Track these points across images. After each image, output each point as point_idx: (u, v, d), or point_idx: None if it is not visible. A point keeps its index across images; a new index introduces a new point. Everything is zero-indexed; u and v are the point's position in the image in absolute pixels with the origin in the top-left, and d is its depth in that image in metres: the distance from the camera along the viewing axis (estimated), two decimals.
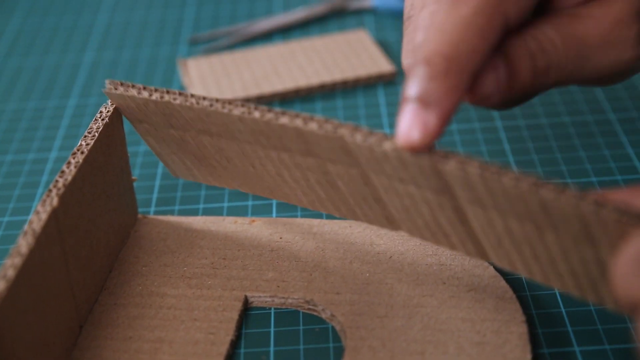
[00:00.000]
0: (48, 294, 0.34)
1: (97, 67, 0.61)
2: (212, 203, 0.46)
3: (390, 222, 0.37)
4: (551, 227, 0.31)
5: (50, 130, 0.54)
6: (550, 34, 0.36)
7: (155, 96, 0.38)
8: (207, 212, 0.45)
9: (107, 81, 0.38)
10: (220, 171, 0.41)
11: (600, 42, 0.37)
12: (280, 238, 0.42)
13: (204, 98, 0.37)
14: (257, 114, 0.35)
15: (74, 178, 0.35)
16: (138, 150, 0.51)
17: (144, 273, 0.40)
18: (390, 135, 0.32)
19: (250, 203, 0.46)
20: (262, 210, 0.45)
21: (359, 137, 0.33)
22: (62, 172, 0.36)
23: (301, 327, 0.38)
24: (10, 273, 0.31)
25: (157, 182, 0.48)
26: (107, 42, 0.64)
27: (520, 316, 0.37)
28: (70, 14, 0.69)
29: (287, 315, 0.39)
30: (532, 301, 0.38)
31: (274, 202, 0.46)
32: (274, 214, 0.45)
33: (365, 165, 0.34)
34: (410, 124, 0.32)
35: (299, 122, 0.34)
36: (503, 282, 0.38)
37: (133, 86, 0.38)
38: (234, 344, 0.37)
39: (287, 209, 0.45)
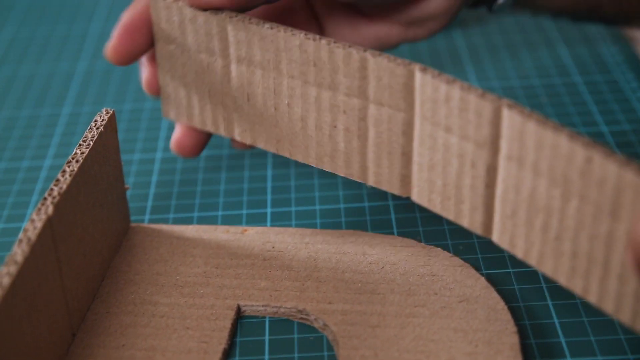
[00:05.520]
0: (42, 302, 0.34)
1: (91, 75, 0.61)
2: (206, 212, 0.46)
3: (402, 184, 0.38)
4: (579, 195, 0.31)
5: (44, 139, 0.54)
6: None
7: (211, 11, 0.39)
8: (201, 220, 0.45)
9: None
10: (230, 112, 0.42)
11: None
12: (273, 247, 0.42)
13: (264, 22, 0.38)
14: (323, 42, 0.36)
15: (69, 186, 0.36)
16: (132, 158, 0.51)
17: (137, 281, 0.40)
18: (458, 80, 0.34)
19: (244, 212, 0.46)
20: (256, 220, 0.45)
21: (429, 75, 0.34)
22: (57, 180, 0.36)
23: (296, 336, 0.38)
24: (6, 281, 0.31)
25: (152, 190, 0.48)
26: (101, 50, 0.64)
27: (512, 327, 0.37)
28: (64, 23, 0.69)
29: (281, 324, 0.39)
30: (525, 312, 0.38)
31: (269, 211, 0.46)
32: (268, 223, 0.45)
33: (418, 108, 0.35)
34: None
35: (367, 55, 0.36)
36: (495, 293, 0.38)
37: None
38: (227, 353, 0.37)
39: (281, 218, 0.45)
